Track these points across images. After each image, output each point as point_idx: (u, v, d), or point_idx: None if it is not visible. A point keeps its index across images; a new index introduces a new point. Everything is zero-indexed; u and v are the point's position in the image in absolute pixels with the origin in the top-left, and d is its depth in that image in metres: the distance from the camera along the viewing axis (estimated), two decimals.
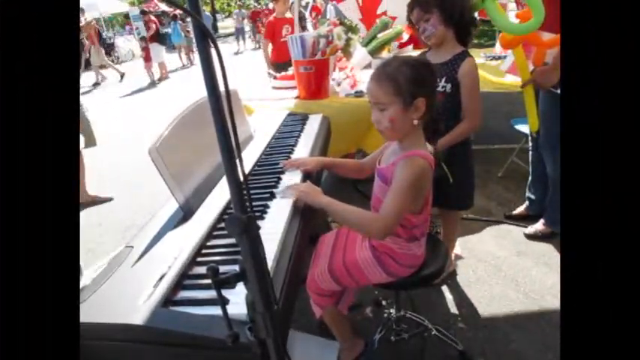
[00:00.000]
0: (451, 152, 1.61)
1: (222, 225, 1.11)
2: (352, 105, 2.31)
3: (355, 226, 1.16)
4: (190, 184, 1.21)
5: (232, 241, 0.98)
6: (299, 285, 1.15)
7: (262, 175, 1.43)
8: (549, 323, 1.70)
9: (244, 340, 0.67)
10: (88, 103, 3.03)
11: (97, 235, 2.78)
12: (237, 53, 14.49)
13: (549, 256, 2.13)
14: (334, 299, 1.38)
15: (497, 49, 3.48)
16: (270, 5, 19.20)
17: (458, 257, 2.16)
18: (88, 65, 9.70)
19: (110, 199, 3.32)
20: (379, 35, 3.19)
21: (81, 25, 8.14)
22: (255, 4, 21.58)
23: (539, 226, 2.29)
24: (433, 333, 1.59)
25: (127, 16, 14.79)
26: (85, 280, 0.96)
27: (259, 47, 15.76)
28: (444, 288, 1.96)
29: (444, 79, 1.60)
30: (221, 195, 1.25)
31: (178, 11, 11.57)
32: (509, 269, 2.06)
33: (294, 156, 1.56)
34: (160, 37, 9.75)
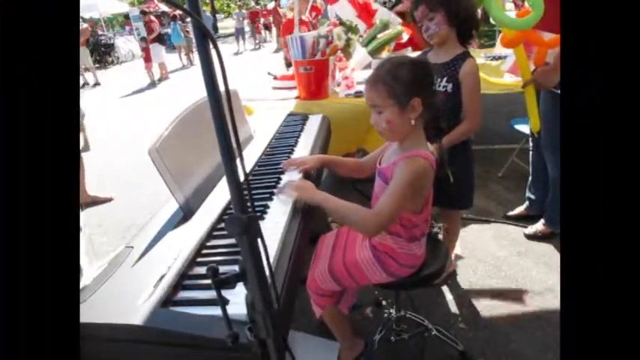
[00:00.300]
0: (451, 152, 1.61)
1: (223, 225, 1.11)
2: (352, 105, 2.32)
3: (349, 222, 1.16)
4: (190, 184, 1.21)
5: (232, 241, 0.98)
6: (299, 285, 1.15)
7: (262, 175, 1.43)
8: (549, 323, 1.70)
9: (244, 340, 0.67)
10: (86, 105, 3.02)
11: (97, 235, 2.79)
12: (237, 53, 14.50)
13: (549, 256, 2.13)
14: (334, 299, 1.38)
15: (498, 49, 3.48)
16: (269, 5, 19.20)
17: (458, 257, 2.16)
18: None
19: (110, 200, 3.32)
20: (379, 35, 3.19)
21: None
22: (255, 5, 21.55)
23: (539, 226, 2.30)
24: (433, 333, 1.59)
25: (126, 16, 14.79)
26: (85, 280, 0.96)
27: (259, 47, 15.79)
28: (444, 288, 1.96)
29: (445, 79, 1.60)
30: (221, 195, 1.25)
31: (178, 11, 11.57)
32: (509, 269, 2.06)
33: (294, 156, 1.56)
34: (159, 38, 9.75)
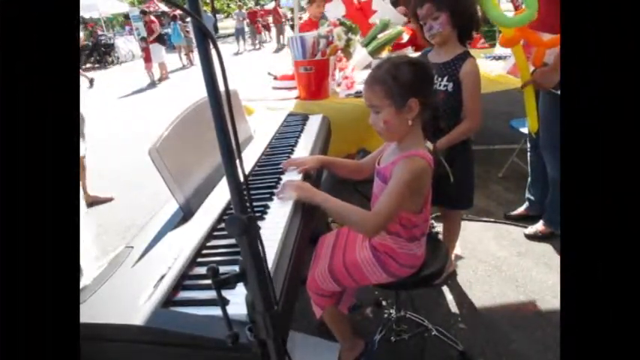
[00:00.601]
0: (451, 152, 1.61)
1: (223, 225, 1.11)
2: (352, 105, 2.32)
3: (348, 222, 1.17)
4: (190, 184, 1.21)
5: (232, 241, 0.98)
6: (299, 285, 1.15)
7: (262, 175, 1.43)
8: (549, 323, 1.70)
9: (244, 340, 0.67)
10: (86, 110, 3.00)
11: (97, 235, 2.79)
12: (237, 53, 14.50)
13: (549, 256, 2.13)
14: (334, 299, 1.38)
15: (498, 49, 3.47)
16: (268, 6, 19.19)
17: (458, 257, 2.16)
18: None
19: (110, 199, 3.32)
20: (379, 36, 3.19)
21: None
22: (255, 5, 21.54)
23: (539, 226, 2.30)
24: (433, 333, 1.59)
25: (126, 16, 14.78)
26: (85, 281, 0.96)
27: (260, 48, 15.79)
28: (444, 288, 1.96)
29: (445, 79, 1.61)
30: (221, 195, 1.25)
31: (178, 11, 11.58)
32: (510, 269, 2.06)
33: (294, 156, 1.56)
34: (160, 38, 9.75)
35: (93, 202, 3.25)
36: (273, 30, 17.34)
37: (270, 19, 17.60)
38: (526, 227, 2.35)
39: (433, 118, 1.17)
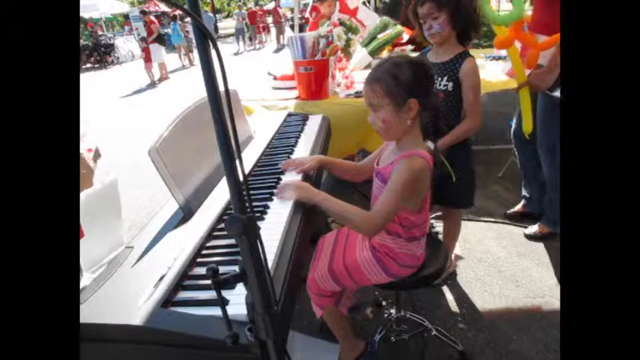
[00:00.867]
0: (452, 151, 1.61)
1: (222, 225, 1.11)
2: (352, 105, 2.31)
3: (348, 222, 1.17)
4: (190, 184, 1.21)
5: (232, 241, 0.98)
6: (299, 285, 1.15)
7: (262, 175, 1.43)
8: (549, 323, 1.70)
9: (244, 340, 0.67)
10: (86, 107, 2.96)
11: None
12: (237, 54, 14.50)
13: (549, 256, 2.13)
14: (334, 299, 1.38)
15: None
16: (268, 6, 19.17)
17: (458, 257, 2.16)
18: None
19: None
20: (379, 36, 3.19)
21: None
22: (255, 5, 21.52)
23: (538, 226, 2.30)
24: (433, 333, 1.59)
25: (126, 16, 14.78)
26: (85, 281, 0.96)
27: (259, 48, 15.78)
28: (445, 288, 1.96)
29: (445, 78, 1.61)
30: (221, 195, 1.25)
31: (178, 11, 11.58)
32: (510, 269, 2.06)
33: (294, 156, 1.56)
34: (160, 38, 9.75)
35: None
36: (272, 31, 17.31)
37: (269, 19, 17.60)
38: (526, 227, 2.35)
39: (433, 119, 1.17)
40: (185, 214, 1.16)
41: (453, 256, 2.08)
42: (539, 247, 2.22)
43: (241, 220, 0.58)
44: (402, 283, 1.29)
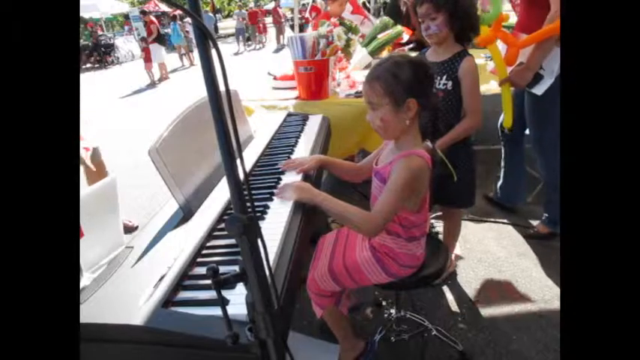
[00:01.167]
0: (453, 151, 1.61)
1: (223, 225, 1.11)
2: (353, 105, 2.31)
3: (348, 223, 1.17)
4: (190, 184, 1.21)
5: (232, 241, 0.98)
6: (299, 285, 1.15)
7: (262, 175, 1.43)
8: (549, 323, 1.70)
9: (244, 340, 0.67)
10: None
11: None
12: (237, 54, 14.50)
13: (549, 256, 2.13)
14: (334, 299, 1.38)
15: None
16: (268, 6, 19.15)
17: (458, 257, 2.16)
18: None
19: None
20: (379, 36, 3.19)
21: None
22: (251, 4, 21.49)
23: (538, 226, 2.31)
24: (433, 333, 1.59)
25: (126, 16, 14.77)
26: (85, 281, 0.96)
27: (259, 48, 15.79)
28: (445, 288, 1.96)
29: (444, 77, 1.61)
30: (221, 195, 1.25)
31: (178, 11, 11.58)
32: (510, 269, 2.06)
33: (294, 156, 1.56)
34: (160, 38, 9.75)
35: None
36: (271, 32, 17.28)
37: (267, 19, 17.57)
38: (526, 227, 2.35)
39: (432, 119, 1.17)
40: (185, 214, 1.16)
41: (453, 256, 2.08)
42: (539, 247, 2.22)
43: (241, 220, 0.58)
44: (402, 283, 1.29)
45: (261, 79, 3.26)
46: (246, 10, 16.61)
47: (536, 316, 1.75)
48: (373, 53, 3.08)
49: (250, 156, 1.56)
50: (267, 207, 1.18)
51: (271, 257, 0.93)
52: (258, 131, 1.85)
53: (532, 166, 2.87)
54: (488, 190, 2.69)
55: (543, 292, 1.88)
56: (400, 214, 1.18)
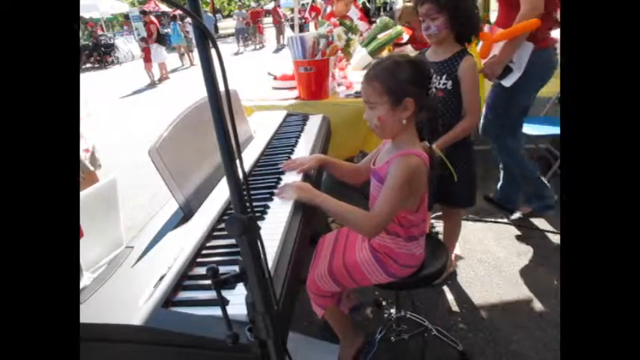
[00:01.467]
0: (454, 150, 1.62)
1: (222, 225, 1.11)
2: (353, 105, 2.31)
3: (348, 223, 1.17)
4: (190, 184, 1.21)
5: (232, 241, 0.98)
6: (299, 285, 1.15)
7: (262, 175, 1.43)
8: (549, 323, 1.70)
9: (244, 340, 0.67)
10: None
11: None
12: (237, 54, 14.49)
13: (549, 256, 2.13)
14: (335, 300, 1.39)
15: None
16: (268, 6, 19.14)
17: (458, 257, 2.16)
18: None
19: None
20: (379, 36, 3.19)
21: None
22: (254, 4, 21.48)
23: (519, 211, 2.46)
24: (433, 333, 1.59)
25: (126, 16, 14.77)
26: (85, 281, 0.96)
27: (260, 48, 15.79)
28: (445, 288, 1.96)
29: (444, 77, 1.61)
30: (221, 195, 1.25)
31: (178, 11, 11.58)
32: (510, 269, 2.06)
33: (294, 156, 1.56)
34: (160, 38, 9.75)
35: None
36: (270, 32, 17.26)
37: (267, 19, 17.57)
38: (527, 227, 2.36)
39: (429, 119, 1.17)
40: (185, 214, 1.16)
41: (453, 256, 2.08)
42: (539, 247, 2.22)
43: (241, 220, 0.58)
44: (402, 283, 1.29)
45: (261, 79, 3.26)
46: (246, 11, 16.59)
47: (536, 316, 1.75)
48: (373, 53, 3.08)
49: (250, 156, 1.56)
50: (267, 207, 1.18)
51: (271, 257, 0.93)
52: (258, 131, 1.85)
53: None
54: (488, 190, 2.69)
55: (543, 292, 1.88)
56: (399, 213, 1.18)
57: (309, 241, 1.31)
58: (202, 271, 0.93)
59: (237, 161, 0.59)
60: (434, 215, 2.37)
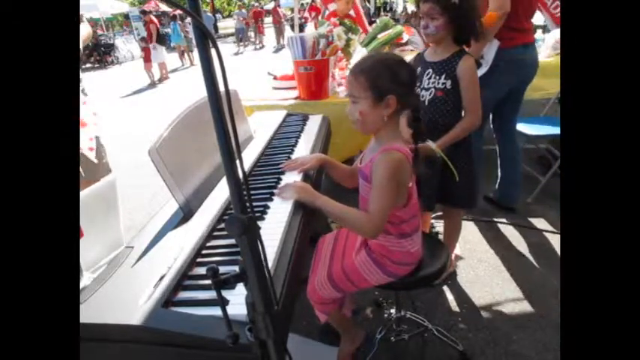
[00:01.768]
0: (454, 150, 1.61)
1: (222, 225, 1.11)
2: None
3: (347, 225, 1.17)
4: (190, 184, 1.21)
5: (232, 241, 0.98)
6: (299, 285, 1.15)
7: (262, 175, 1.43)
8: (549, 323, 1.70)
9: (244, 340, 0.67)
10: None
11: None
12: (237, 54, 14.49)
13: (549, 256, 2.13)
14: (337, 304, 1.39)
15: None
16: (268, 6, 19.14)
17: (458, 257, 2.16)
18: None
19: None
20: (379, 36, 3.19)
21: None
22: (255, 4, 21.47)
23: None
24: (433, 333, 1.59)
25: (127, 16, 14.77)
26: (85, 281, 0.96)
27: (260, 47, 15.79)
28: (445, 288, 1.96)
29: (443, 76, 1.61)
30: (221, 195, 1.25)
31: (178, 11, 11.58)
32: (510, 269, 2.06)
33: (294, 156, 1.56)
34: (160, 38, 9.75)
35: None
36: (269, 32, 17.26)
37: (267, 19, 17.56)
38: (528, 228, 2.36)
39: (414, 120, 1.18)
40: (185, 214, 1.16)
41: (453, 256, 2.07)
42: (539, 247, 2.22)
43: (241, 220, 0.58)
44: (403, 283, 1.29)
45: (261, 79, 3.26)
46: (247, 11, 16.58)
47: (536, 316, 1.75)
48: None
49: (250, 156, 1.56)
50: (267, 207, 1.18)
51: (271, 257, 0.93)
52: (258, 131, 1.85)
53: (532, 166, 2.88)
54: (488, 190, 2.69)
55: (543, 292, 1.88)
56: None
57: (309, 241, 1.31)
58: (202, 271, 0.93)
59: (237, 161, 0.59)
60: (434, 215, 2.37)
